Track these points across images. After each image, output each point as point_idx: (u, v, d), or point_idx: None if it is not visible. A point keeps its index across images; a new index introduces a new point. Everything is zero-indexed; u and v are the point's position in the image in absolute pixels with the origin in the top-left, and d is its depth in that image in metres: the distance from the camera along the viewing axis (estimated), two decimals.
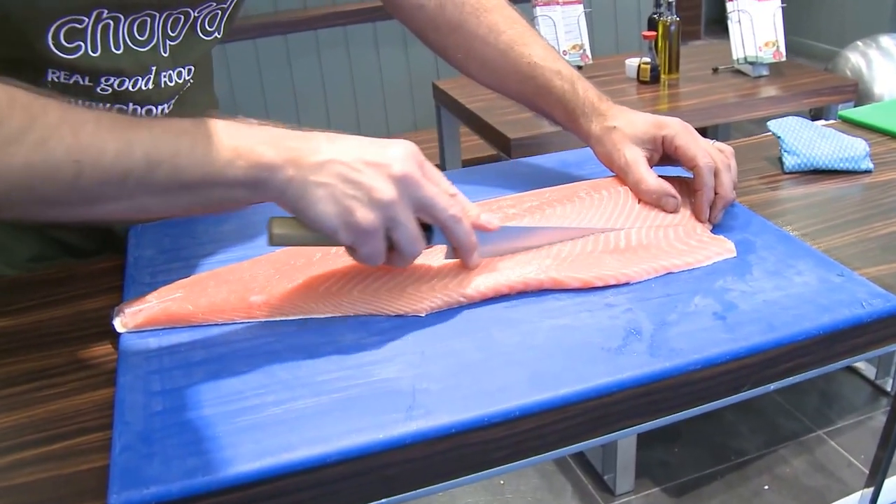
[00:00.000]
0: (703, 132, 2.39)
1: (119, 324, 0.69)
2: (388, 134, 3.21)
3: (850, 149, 0.95)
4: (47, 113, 0.57)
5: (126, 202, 0.61)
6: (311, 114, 3.06)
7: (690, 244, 0.77)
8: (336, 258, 0.77)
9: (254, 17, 2.88)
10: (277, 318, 0.70)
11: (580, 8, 2.25)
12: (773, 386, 0.69)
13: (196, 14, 0.81)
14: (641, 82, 2.18)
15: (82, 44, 0.74)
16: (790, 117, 1.02)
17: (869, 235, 0.82)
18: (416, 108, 3.23)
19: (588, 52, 2.28)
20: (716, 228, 0.82)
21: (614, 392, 0.61)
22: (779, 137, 0.98)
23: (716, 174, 0.81)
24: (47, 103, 0.58)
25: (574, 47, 2.26)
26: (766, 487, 1.84)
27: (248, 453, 0.55)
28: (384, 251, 0.66)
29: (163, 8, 0.78)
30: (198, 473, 0.53)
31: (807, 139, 0.97)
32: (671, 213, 0.82)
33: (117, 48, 0.77)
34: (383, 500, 0.59)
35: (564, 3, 2.24)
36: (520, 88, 0.92)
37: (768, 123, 1.01)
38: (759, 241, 0.79)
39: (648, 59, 2.16)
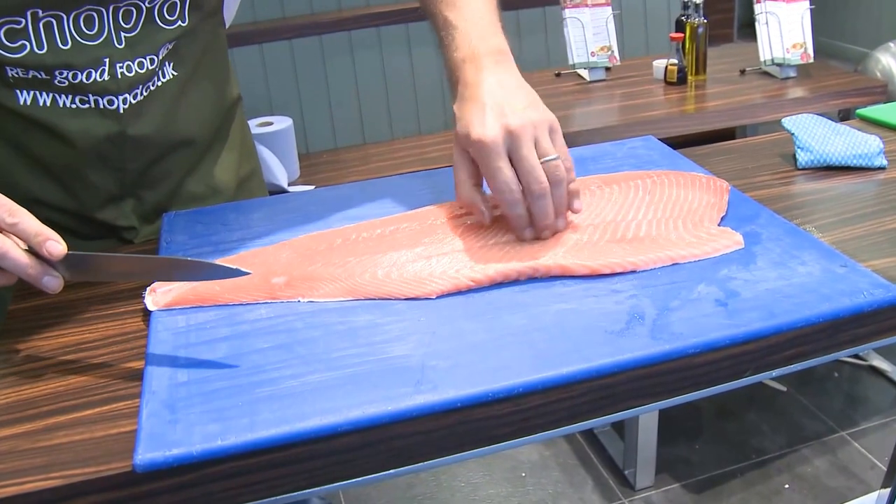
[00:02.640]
0: (731, 133, 2.38)
1: (150, 302, 0.74)
2: (420, 132, 3.25)
3: (863, 145, 0.97)
4: None
5: None
6: (344, 112, 3.11)
7: (700, 236, 0.79)
8: (358, 243, 0.81)
9: (290, 18, 2.94)
10: (297, 299, 0.74)
11: (609, 10, 2.27)
12: (775, 372, 0.70)
13: (148, 5, 0.82)
14: (668, 83, 2.20)
15: (26, 42, 0.77)
16: (805, 114, 1.04)
17: (878, 229, 0.84)
18: (447, 109, 3.26)
19: (616, 54, 2.29)
20: (724, 219, 0.84)
21: (616, 372, 0.64)
22: (792, 134, 1.00)
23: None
24: None
25: (602, 49, 2.28)
26: (787, 486, 1.84)
27: (264, 421, 0.58)
28: None
29: (107, 3, 0.79)
30: (217, 438, 0.57)
31: (820, 136, 0.99)
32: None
33: (64, 44, 0.79)
34: (391, 471, 0.62)
35: (593, 5, 2.26)
36: (440, 40, 0.86)
37: (782, 120, 1.03)
38: (765, 232, 0.80)
39: (676, 61, 2.17)
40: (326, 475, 0.60)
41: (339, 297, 0.74)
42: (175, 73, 0.89)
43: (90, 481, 0.56)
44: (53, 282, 0.68)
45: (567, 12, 2.28)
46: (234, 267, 0.67)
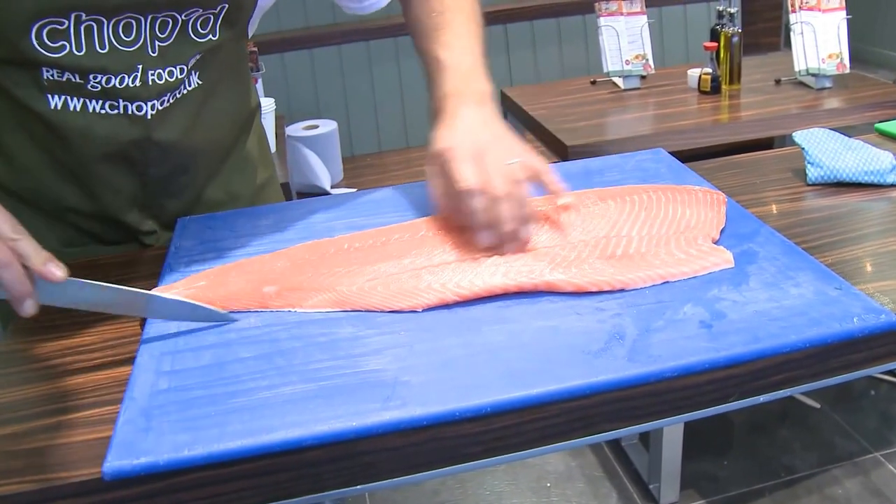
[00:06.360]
0: (769, 143, 2.33)
1: None
2: None
3: (875, 161, 0.94)
4: None
5: None
6: (388, 118, 3.14)
7: (690, 253, 0.77)
8: (349, 253, 0.81)
9: (340, 24, 2.99)
10: (286, 309, 0.75)
11: (643, 18, 2.25)
12: (762, 398, 0.69)
13: (184, 18, 0.85)
14: (702, 93, 2.17)
15: (66, 43, 0.80)
16: (817, 129, 1.02)
17: (880, 250, 0.81)
18: None
19: (651, 62, 2.27)
20: (723, 237, 0.82)
21: (589, 394, 0.63)
22: (803, 149, 0.98)
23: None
24: None
25: (637, 57, 2.26)
26: None
27: (232, 433, 0.59)
28: None
29: (145, 12, 0.82)
30: (184, 448, 0.58)
31: (831, 151, 0.96)
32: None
33: (102, 48, 0.82)
34: (361, 486, 0.62)
35: (628, 14, 2.25)
36: (428, 75, 0.94)
37: (794, 135, 1.01)
38: (762, 251, 0.79)
39: (710, 70, 2.14)
40: (295, 488, 0.61)
41: (325, 307, 0.74)
42: (200, 83, 0.91)
43: (60, 486, 0.57)
44: (33, 307, 0.67)
45: (602, 20, 2.26)
46: (216, 310, 0.73)
